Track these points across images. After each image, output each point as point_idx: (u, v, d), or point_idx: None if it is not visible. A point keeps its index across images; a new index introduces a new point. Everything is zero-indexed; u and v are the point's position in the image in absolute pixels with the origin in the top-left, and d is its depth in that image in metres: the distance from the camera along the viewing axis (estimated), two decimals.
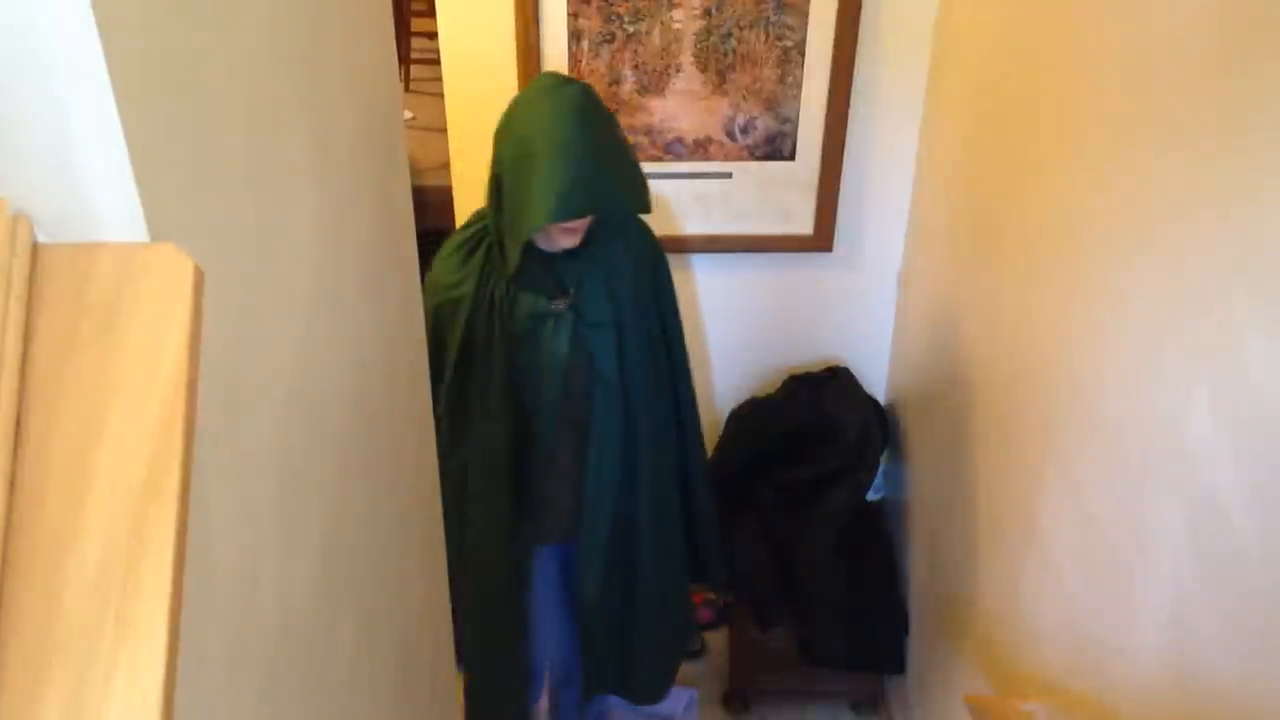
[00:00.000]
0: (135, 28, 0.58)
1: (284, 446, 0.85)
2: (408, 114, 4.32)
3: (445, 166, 2.43)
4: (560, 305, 1.83)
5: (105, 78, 0.55)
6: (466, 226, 1.90)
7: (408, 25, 4.35)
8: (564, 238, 1.74)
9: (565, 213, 1.61)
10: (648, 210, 1.72)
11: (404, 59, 4.29)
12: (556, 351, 1.84)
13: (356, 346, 1.13)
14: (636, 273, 1.88)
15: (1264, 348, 1.13)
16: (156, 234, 0.59)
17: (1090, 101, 1.54)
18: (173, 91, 0.63)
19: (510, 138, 1.67)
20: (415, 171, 3.78)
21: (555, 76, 1.69)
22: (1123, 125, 1.44)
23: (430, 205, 3.24)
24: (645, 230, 1.93)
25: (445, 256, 1.89)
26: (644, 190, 1.70)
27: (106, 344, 0.55)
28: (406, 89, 4.44)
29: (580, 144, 1.58)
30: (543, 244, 1.77)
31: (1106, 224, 1.48)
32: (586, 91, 1.64)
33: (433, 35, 2.67)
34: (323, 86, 1.00)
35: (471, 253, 1.84)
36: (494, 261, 1.80)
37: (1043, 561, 1.70)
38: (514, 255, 1.69)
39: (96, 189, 0.57)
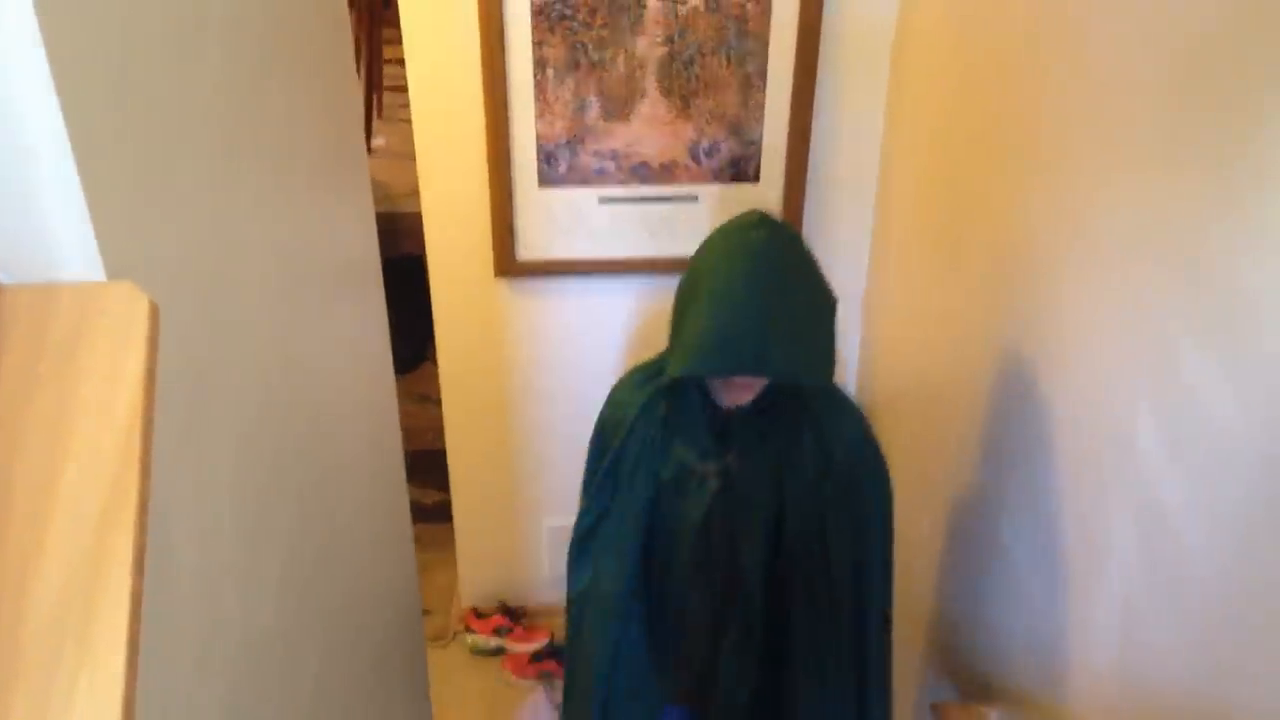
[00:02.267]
0: (89, 76, 0.61)
1: (245, 471, 0.88)
2: (380, 140, 4.35)
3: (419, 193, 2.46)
4: (708, 468, 1.63)
5: (61, 126, 0.58)
6: (659, 355, 1.72)
7: (379, 52, 4.38)
8: (728, 392, 1.55)
9: (702, 366, 1.44)
10: (816, 381, 1.51)
11: (376, 86, 4.32)
12: (689, 515, 1.65)
13: (317, 372, 1.15)
14: (822, 473, 1.60)
15: (1199, 363, 1.18)
16: (114, 272, 0.62)
17: (1042, 125, 1.59)
18: (127, 136, 0.66)
19: (690, 270, 1.52)
20: (389, 197, 3.81)
21: (755, 215, 1.49)
22: (1072, 149, 1.49)
23: (404, 232, 3.27)
24: (858, 430, 1.65)
25: (629, 374, 1.75)
26: (819, 361, 1.46)
27: (66, 379, 0.58)
28: (379, 115, 4.47)
29: (742, 294, 1.39)
30: (716, 395, 1.59)
31: (1057, 244, 1.53)
32: (777, 237, 1.45)
33: (405, 62, 2.70)
34: (277, 122, 1.03)
35: (649, 380, 1.67)
36: (665, 394, 1.64)
37: (1004, 569, 1.74)
38: (655, 396, 1.60)
39: (56, 231, 0.60)
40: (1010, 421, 1.70)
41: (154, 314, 0.60)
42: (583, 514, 1.74)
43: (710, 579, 1.71)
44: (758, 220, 1.47)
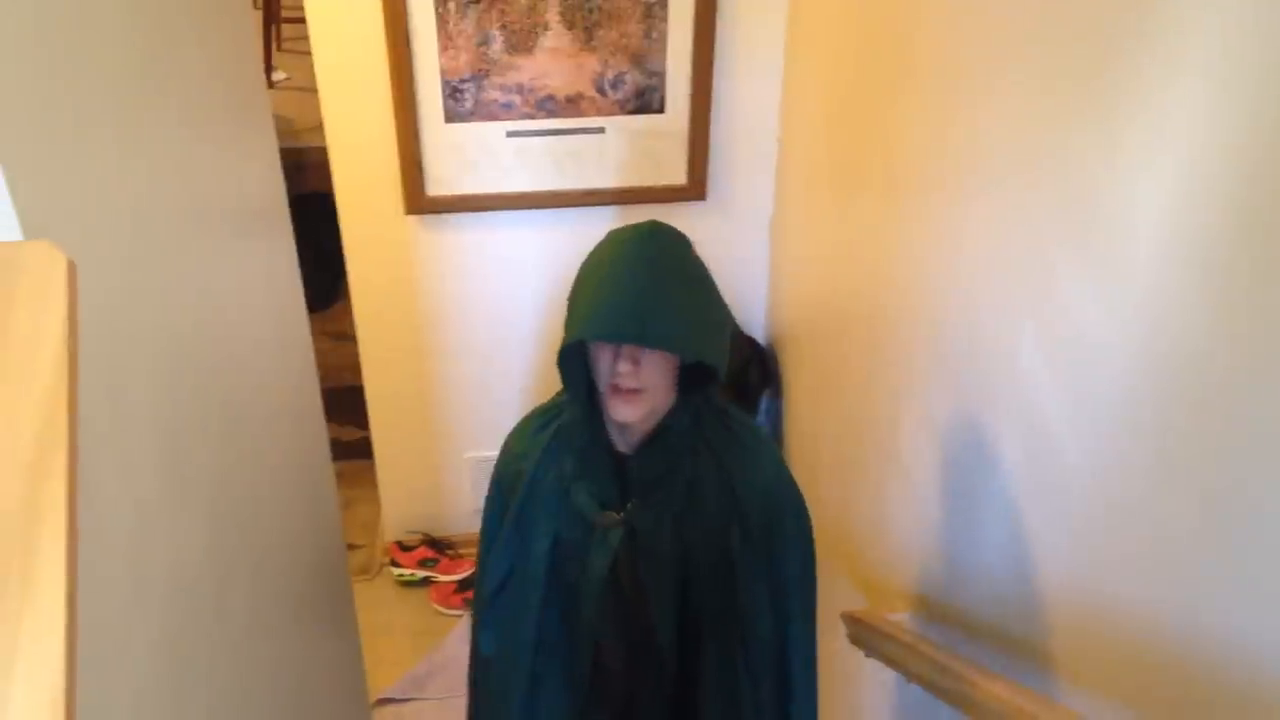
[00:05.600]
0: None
1: (167, 417, 0.90)
2: (282, 74, 4.26)
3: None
4: (609, 520, 1.52)
5: None
6: (552, 400, 1.64)
7: None
8: (618, 403, 1.39)
9: (601, 329, 1.33)
10: (701, 357, 1.36)
11: (275, 17, 4.22)
12: (595, 569, 1.55)
13: (230, 316, 1.17)
14: (728, 522, 1.50)
15: (1075, 282, 1.26)
16: (31, 231, 0.64)
17: (935, 57, 1.64)
18: (37, 92, 0.68)
19: (580, 269, 1.44)
20: (293, 133, 3.74)
21: (650, 221, 1.44)
22: (959, 74, 1.55)
23: (311, 167, 3.23)
24: (771, 475, 1.54)
25: (524, 421, 1.64)
26: (707, 341, 1.37)
27: None
28: (279, 48, 4.37)
29: (629, 268, 1.34)
30: (610, 423, 1.48)
31: (949, 172, 1.59)
32: (669, 235, 1.41)
33: None
34: (184, 67, 1.04)
35: (545, 427, 1.58)
36: (562, 441, 1.54)
37: (904, 483, 1.83)
38: (554, 443, 1.52)
39: None
40: (907, 342, 1.78)
41: (72, 271, 0.62)
42: (487, 574, 1.64)
43: (621, 631, 1.63)
44: (651, 222, 1.43)
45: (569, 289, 1.43)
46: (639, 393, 1.39)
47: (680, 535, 1.52)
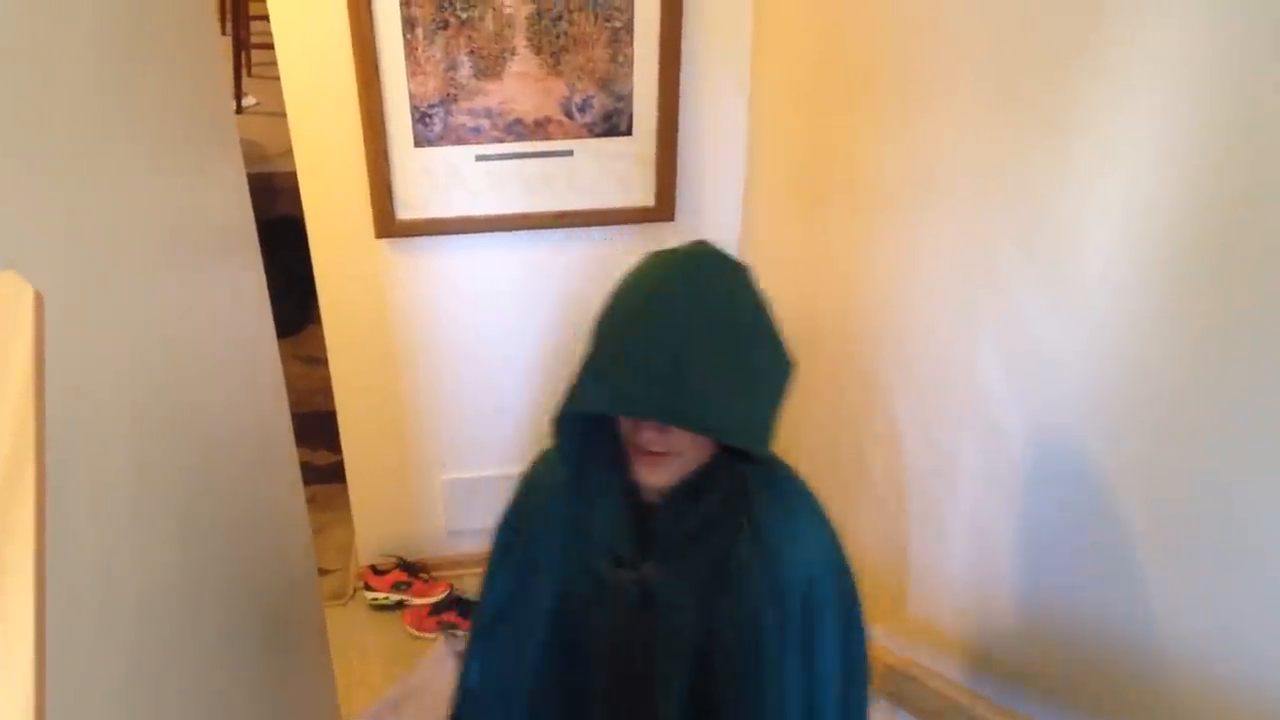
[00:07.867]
0: None
1: (136, 445, 0.91)
2: (252, 100, 4.27)
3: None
4: (625, 576, 1.29)
5: None
6: None
7: (246, 9, 4.28)
8: (642, 466, 1.21)
9: (615, 403, 1.15)
10: (739, 442, 1.18)
11: (244, 43, 4.24)
12: (600, 635, 1.35)
13: (200, 343, 1.18)
14: (765, 600, 1.24)
15: (1031, 296, 1.29)
16: None
17: (896, 79, 1.68)
18: (3, 130, 0.69)
19: (610, 294, 1.21)
20: (264, 158, 3.75)
21: (701, 242, 1.20)
22: (918, 95, 1.59)
23: (282, 192, 3.24)
24: (818, 548, 1.30)
25: (546, 451, 1.40)
26: (749, 414, 1.16)
27: None
28: (249, 74, 4.38)
29: (660, 325, 1.11)
30: (639, 480, 1.24)
31: (910, 190, 1.63)
32: (708, 266, 1.16)
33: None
34: (149, 98, 1.05)
35: None
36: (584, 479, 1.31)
37: (872, 497, 1.86)
38: (564, 462, 1.28)
39: None
40: (873, 355, 1.81)
41: (39, 303, 0.63)
42: (486, 600, 1.45)
43: (625, 709, 1.39)
44: (698, 248, 1.19)
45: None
46: (668, 455, 1.20)
47: (707, 611, 1.28)
